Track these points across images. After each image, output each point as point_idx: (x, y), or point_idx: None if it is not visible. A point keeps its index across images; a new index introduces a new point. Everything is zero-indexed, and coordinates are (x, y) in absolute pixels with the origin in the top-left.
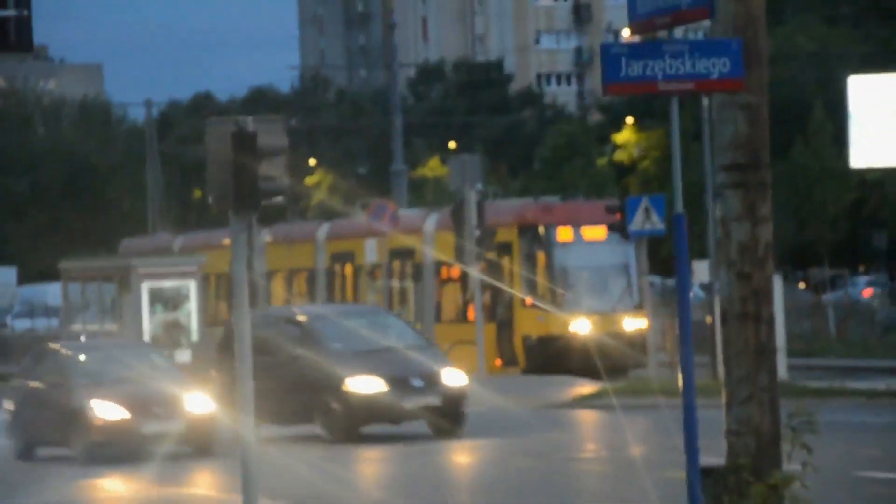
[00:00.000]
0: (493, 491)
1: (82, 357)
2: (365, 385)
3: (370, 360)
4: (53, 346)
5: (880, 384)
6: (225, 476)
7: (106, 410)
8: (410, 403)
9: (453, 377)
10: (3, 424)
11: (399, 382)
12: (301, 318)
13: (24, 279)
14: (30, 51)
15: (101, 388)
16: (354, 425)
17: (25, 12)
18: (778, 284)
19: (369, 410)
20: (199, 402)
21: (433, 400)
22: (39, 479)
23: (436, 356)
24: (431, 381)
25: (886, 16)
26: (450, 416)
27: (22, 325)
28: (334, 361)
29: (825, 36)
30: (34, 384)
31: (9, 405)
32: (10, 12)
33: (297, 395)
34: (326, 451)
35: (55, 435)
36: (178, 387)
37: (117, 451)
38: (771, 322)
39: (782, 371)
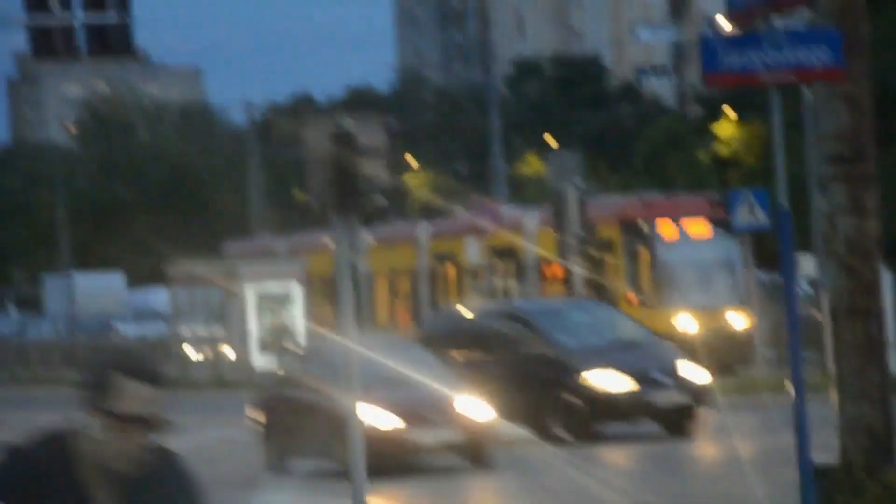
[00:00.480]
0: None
1: (344, 357)
2: (607, 380)
3: (608, 354)
4: (304, 346)
5: None
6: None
7: (375, 418)
8: (661, 399)
9: (692, 371)
10: (248, 434)
11: (643, 377)
12: (524, 311)
13: (130, 284)
14: (131, 55)
15: (368, 392)
16: (595, 423)
17: (126, 18)
18: (887, 278)
19: (614, 407)
20: (475, 408)
21: (679, 397)
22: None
23: (670, 350)
24: (673, 376)
25: None
26: (691, 415)
27: (132, 330)
28: (569, 356)
29: None
30: (289, 389)
31: (257, 414)
32: (112, 17)
33: (525, 393)
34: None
35: (315, 445)
36: (452, 390)
37: (387, 463)
38: (880, 316)
39: (894, 368)
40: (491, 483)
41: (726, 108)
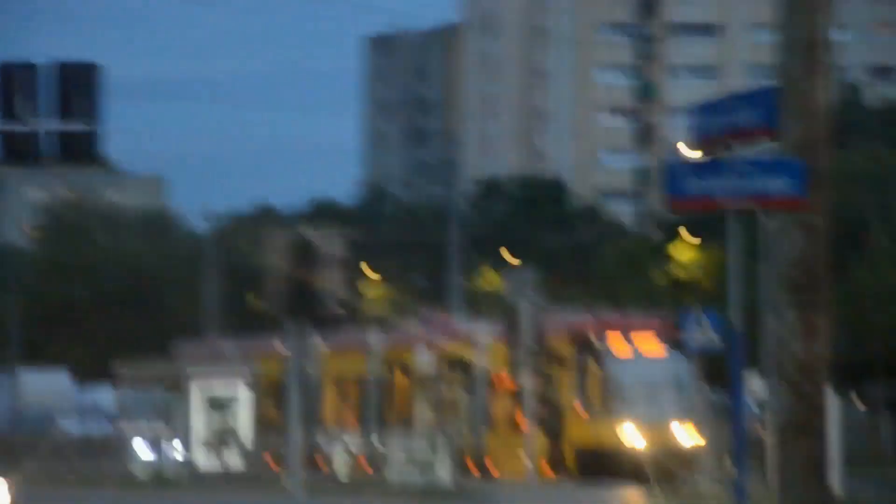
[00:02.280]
0: None
1: None
2: None
3: None
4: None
5: None
6: None
7: None
8: None
9: None
10: None
11: None
12: None
13: (78, 381)
14: (96, 164)
15: None
16: None
17: (95, 126)
18: (833, 400)
19: None
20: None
21: None
22: None
23: None
24: None
25: None
26: None
27: (75, 427)
28: None
29: (888, 160)
30: None
31: None
32: (79, 127)
33: None
34: None
35: None
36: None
37: None
38: (824, 435)
39: (836, 485)
40: None
41: (684, 233)
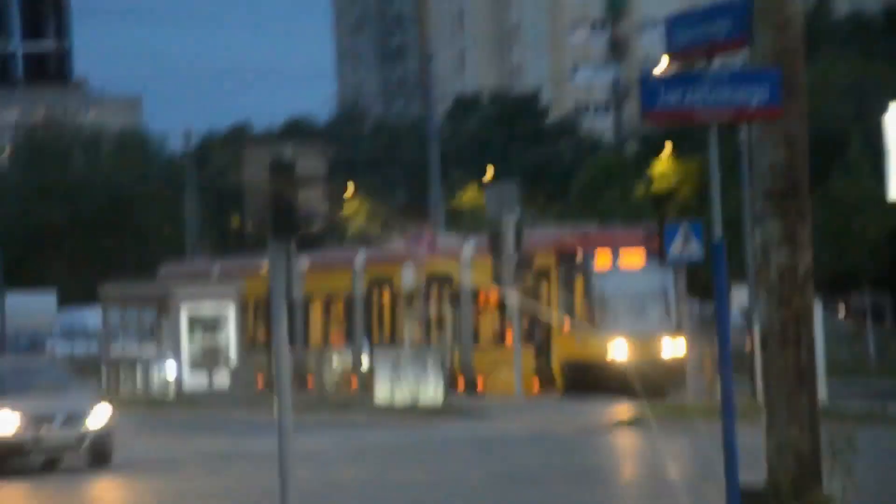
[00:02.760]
0: None
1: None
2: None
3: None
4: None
5: None
6: None
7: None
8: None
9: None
10: None
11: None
12: None
13: (63, 304)
14: (69, 82)
15: None
16: None
17: (65, 45)
18: (818, 309)
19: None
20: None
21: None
22: None
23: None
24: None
25: None
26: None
27: (62, 348)
28: None
29: (862, 70)
30: None
31: None
32: (51, 45)
33: None
34: None
35: None
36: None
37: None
38: (811, 346)
39: (822, 395)
40: None
41: (667, 146)
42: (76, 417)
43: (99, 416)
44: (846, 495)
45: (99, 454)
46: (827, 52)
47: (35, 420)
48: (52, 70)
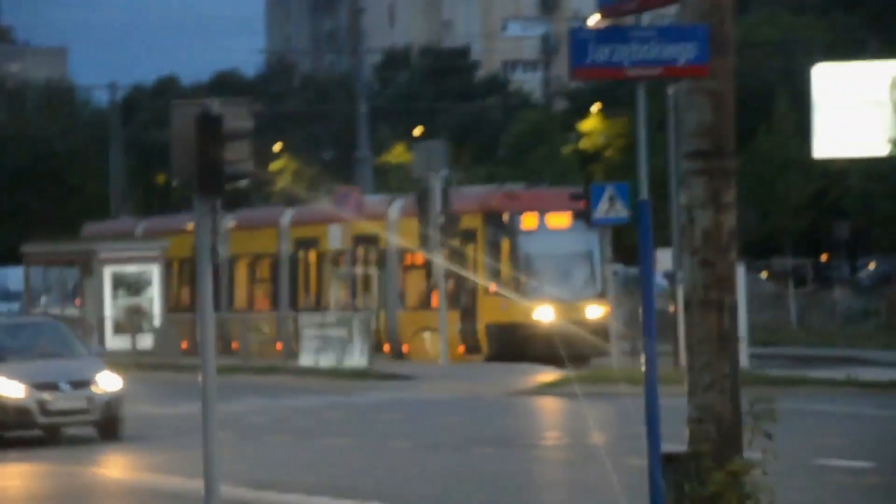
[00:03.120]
0: (447, 479)
1: None
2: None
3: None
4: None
5: (840, 373)
6: None
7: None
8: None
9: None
10: None
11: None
12: None
13: None
14: None
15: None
16: None
17: None
18: (741, 273)
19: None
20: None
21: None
22: None
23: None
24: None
25: (851, 5)
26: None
27: None
28: None
29: (790, 25)
30: None
31: None
32: None
33: None
34: None
35: None
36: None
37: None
38: (733, 310)
39: (744, 360)
40: None
41: (595, 106)
42: (82, 384)
43: (106, 383)
44: (766, 461)
45: (109, 424)
46: (756, 7)
47: (38, 388)
48: None
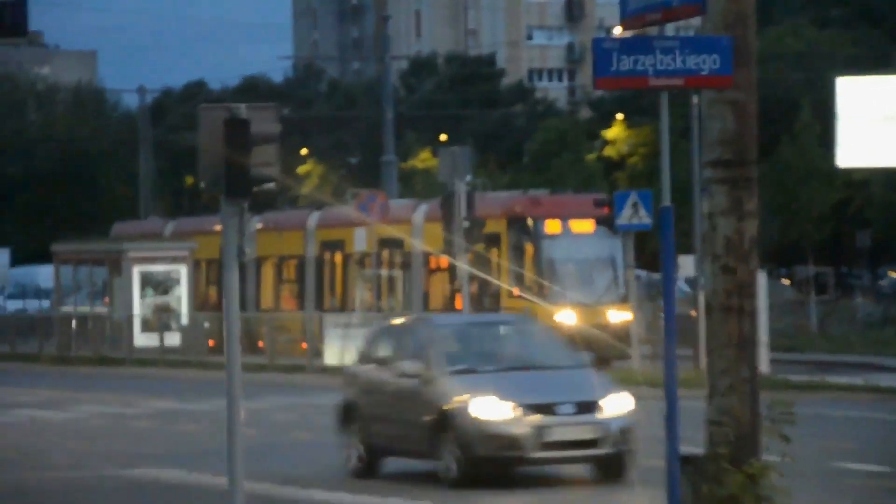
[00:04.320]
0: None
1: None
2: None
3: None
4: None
5: (858, 379)
6: None
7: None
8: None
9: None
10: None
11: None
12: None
13: (15, 261)
14: (24, 35)
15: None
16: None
17: None
18: (762, 280)
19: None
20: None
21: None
22: None
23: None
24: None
25: (874, 19)
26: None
27: (13, 305)
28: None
29: (813, 38)
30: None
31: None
32: None
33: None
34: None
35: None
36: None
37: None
38: (754, 315)
39: (764, 365)
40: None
41: (619, 115)
42: (589, 407)
43: (616, 405)
44: (783, 464)
45: (615, 462)
46: (779, 18)
47: (531, 410)
48: (7, 22)
